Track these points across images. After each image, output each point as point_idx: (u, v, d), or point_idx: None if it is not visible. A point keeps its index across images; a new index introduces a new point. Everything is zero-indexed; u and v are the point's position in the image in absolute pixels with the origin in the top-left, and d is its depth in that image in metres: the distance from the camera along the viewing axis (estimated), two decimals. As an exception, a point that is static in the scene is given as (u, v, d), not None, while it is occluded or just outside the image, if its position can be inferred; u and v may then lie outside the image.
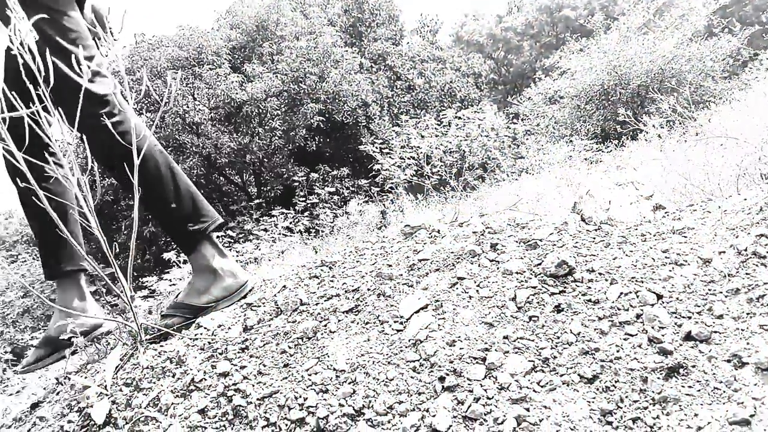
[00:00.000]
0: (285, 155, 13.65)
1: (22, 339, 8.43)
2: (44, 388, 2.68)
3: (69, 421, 1.55)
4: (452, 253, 1.60)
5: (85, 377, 1.74)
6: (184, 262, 6.04)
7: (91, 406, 1.51)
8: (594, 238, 1.54)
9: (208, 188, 13.61)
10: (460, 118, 10.54)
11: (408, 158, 9.66)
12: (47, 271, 1.86)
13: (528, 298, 1.32)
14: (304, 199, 10.25)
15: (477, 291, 1.38)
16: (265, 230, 8.61)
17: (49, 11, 1.57)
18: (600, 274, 1.36)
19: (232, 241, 8.00)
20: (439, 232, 1.79)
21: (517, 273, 1.41)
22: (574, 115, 12.51)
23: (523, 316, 1.28)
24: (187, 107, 11.22)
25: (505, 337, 1.22)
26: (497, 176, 8.75)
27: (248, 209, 12.72)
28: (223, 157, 12.74)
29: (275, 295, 1.70)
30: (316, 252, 3.07)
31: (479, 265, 1.49)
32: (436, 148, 9.80)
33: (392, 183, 9.45)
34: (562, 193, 4.67)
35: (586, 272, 1.37)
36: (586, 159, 7.96)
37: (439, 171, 9.49)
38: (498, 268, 1.45)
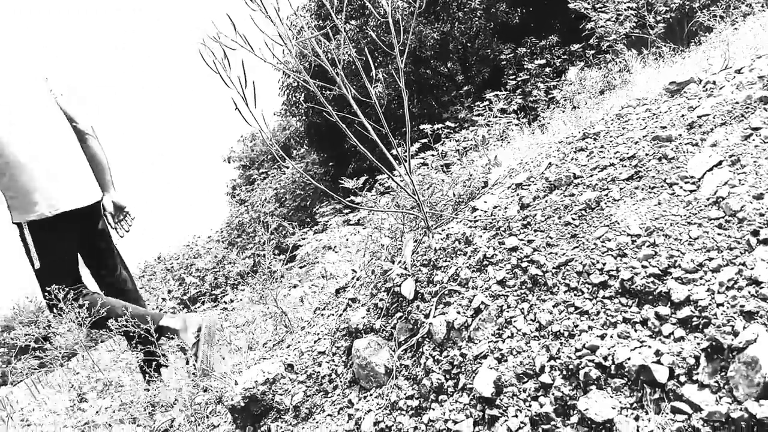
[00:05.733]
0: (488, 35, 13.19)
1: (285, 242, 10.02)
2: (341, 276, 3.17)
3: (380, 299, 1.84)
4: (737, 103, 1.47)
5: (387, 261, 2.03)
6: (412, 156, 6.37)
7: (399, 285, 1.77)
8: None
9: (419, 83, 13.89)
10: (684, -53, 8.98)
11: (625, 9, 8.65)
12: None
13: None
14: (513, 77, 9.90)
15: (782, 139, 1.27)
16: (480, 115, 8.60)
17: None
18: None
19: (451, 131, 8.16)
20: (714, 83, 1.65)
21: (830, 113, 1.26)
22: None
23: None
24: (387, 7, 11.41)
25: (828, 184, 1.12)
26: (733, 12, 7.39)
27: (458, 97, 12.75)
28: (427, 50, 12.80)
29: (543, 173, 1.76)
30: (565, 125, 3.02)
31: (778, 112, 1.36)
32: (659, -10, 8.58)
33: (609, 41, 8.60)
34: None
35: None
36: None
37: (664, 18, 8.34)
38: (804, 111, 1.31)
